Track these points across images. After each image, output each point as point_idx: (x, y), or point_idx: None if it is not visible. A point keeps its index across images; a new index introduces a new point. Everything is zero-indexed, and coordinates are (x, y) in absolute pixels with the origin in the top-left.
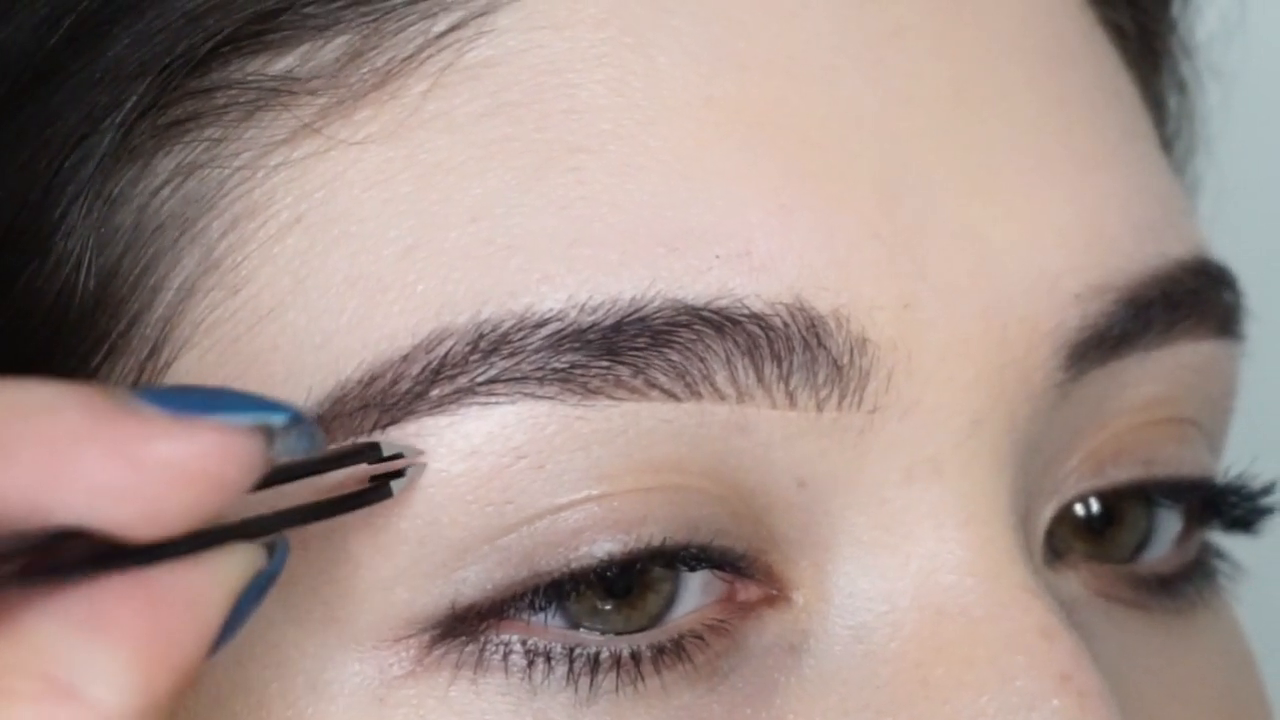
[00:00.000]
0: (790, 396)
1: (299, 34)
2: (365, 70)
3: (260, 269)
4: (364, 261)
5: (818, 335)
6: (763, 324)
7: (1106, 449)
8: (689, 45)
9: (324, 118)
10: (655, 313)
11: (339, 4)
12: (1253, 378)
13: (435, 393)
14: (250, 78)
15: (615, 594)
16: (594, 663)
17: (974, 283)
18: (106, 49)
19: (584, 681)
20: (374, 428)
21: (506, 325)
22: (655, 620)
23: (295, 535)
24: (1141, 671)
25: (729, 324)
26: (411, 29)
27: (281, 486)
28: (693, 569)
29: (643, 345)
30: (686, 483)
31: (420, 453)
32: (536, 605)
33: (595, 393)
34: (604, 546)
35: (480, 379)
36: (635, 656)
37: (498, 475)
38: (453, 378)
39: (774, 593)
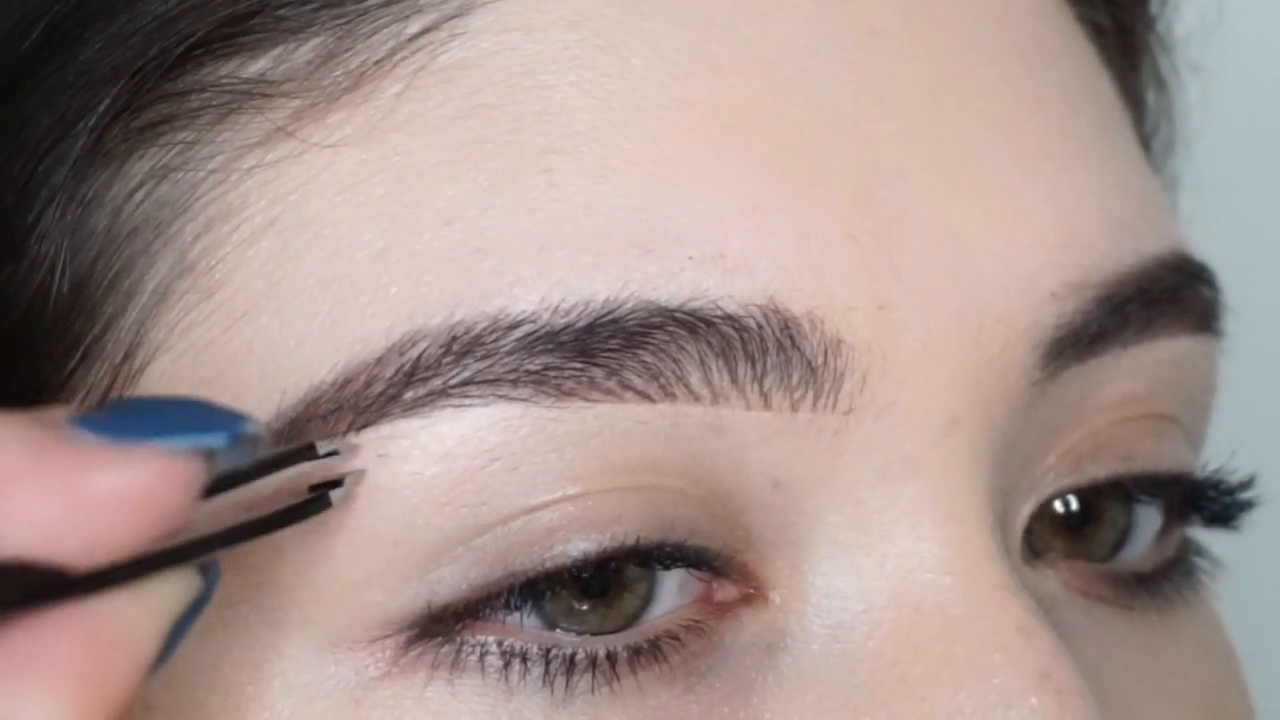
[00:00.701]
0: (765, 397)
1: (272, 36)
2: (338, 73)
3: (234, 272)
4: (337, 264)
5: (791, 337)
6: (736, 325)
7: (1084, 446)
8: (662, 47)
9: (297, 120)
10: (629, 314)
11: (312, 6)
12: (1232, 373)
13: (409, 395)
14: (223, 80)
15: (591, 594)
16: (570, 664)
17: (950, 283)
18: (79, 53)
19: (560, 682)
20: (348, 430)
21: (479, 327)
22: (632, 620)
23: (270, 539)
24: (1122, 669)
25: (703, 325)
26: (384, 31)
27: (221, 499)
28: (667, 568)
29: (616, 347)
30: (662, 483)
31: (356, 447)
32: (512, 605)
33: (569, 394)
34: (578, 546)
35: (453, 381)
36: (611, 657)
37: (472, 477)
38: (426, 380)
39: (751, 592)
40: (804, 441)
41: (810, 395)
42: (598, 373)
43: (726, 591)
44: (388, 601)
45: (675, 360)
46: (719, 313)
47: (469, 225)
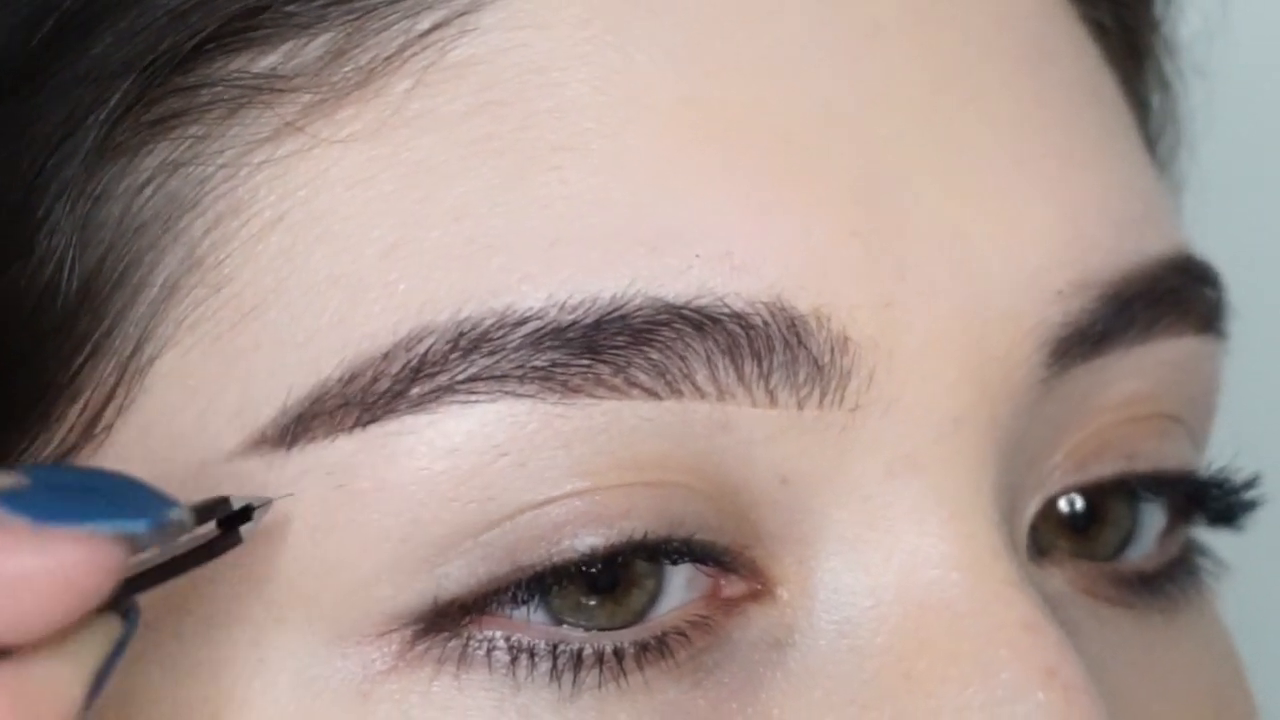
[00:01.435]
0: (771, 395)
1: (282, 32)
2: (348, 68)
3: (243, 267)
4: (346, 260)
5: (798, 334)
6: (743, 323)
7: (1089, 444)
8: (668, 45)
9: (307, 116)
10: (635, 311)
11: (322, 2)
12: (1236, 373)
13: (415, 391)
14: (234, 75)
15: (599, 590)
16: (577, 659)
17: (955, 281)
18: (90, 47)
19: (567, 678)
20: (354, 426)
21: (487, 324)
22: (639, 616)
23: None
24: (1125, 668)
25: (709, 323)
26: (395, 27)
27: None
28: (675, 563)
29: (623, 344)
30: (669, 479)
31: (268, 501)
32: (519, 600)
33: (576, 391)
34: (586, 540)
35: (460, 377)
36: (618, 653)
37: (479, 473)
38: (433, 376)
39: (758, 588)
40: (811, 438)
41: (817, 392)
42: (604, 369)
43: (734, 587)
44: (395, 596)
45: (682, 357)
46: (725, 310)
47: (478, 222)
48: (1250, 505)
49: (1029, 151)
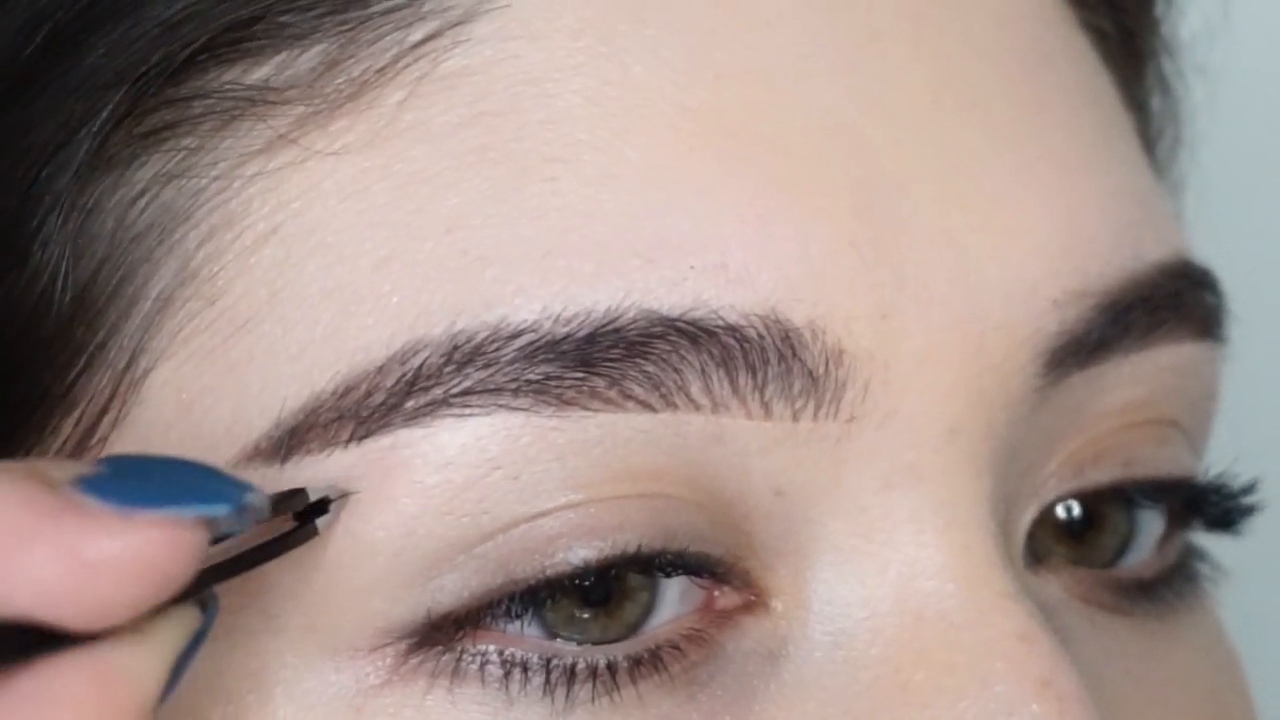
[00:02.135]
0: (766, 407)
1: (275, 43)
2: (341, 80)
3: (236, 280)
4: (339, 273)
5: (793, 347)
6: (738, 335)
7: (1086, 452)
8: (664, 55)
9: (300, 128)
10: (630, 324)
11: (315, 13)
12: (1234, 377)
13: (410, 404)
14: (226, 87)
15: (593, 603)
16: (570, 673)
17: (951, 291)
18: (83, 58)
19: (560, 692)
20: (348, 439)
21: (481, 337)
22: (633, 629)
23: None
24: (1123, 676)
25: (704, 335)
26: (387, 38)
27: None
28: (669, 575)
29: (617, 356)
30: (664, 491)
31: (346, 494)
32: (513, 613)
33: (570, 404)
34: (579, 553)
35: (454, 390)
36: (611, 667)
37: (473, 486)
38: (427, 389)
39: (753, 599)
40: (806, 450)
41: (812, 404)
42: (599, 382)
43: (728, 599)
44: (389, 609)
45: (676, 370)
46: (720, 323)
47: (471, 233)
48: (1249, 510)
49: (1027, 158)
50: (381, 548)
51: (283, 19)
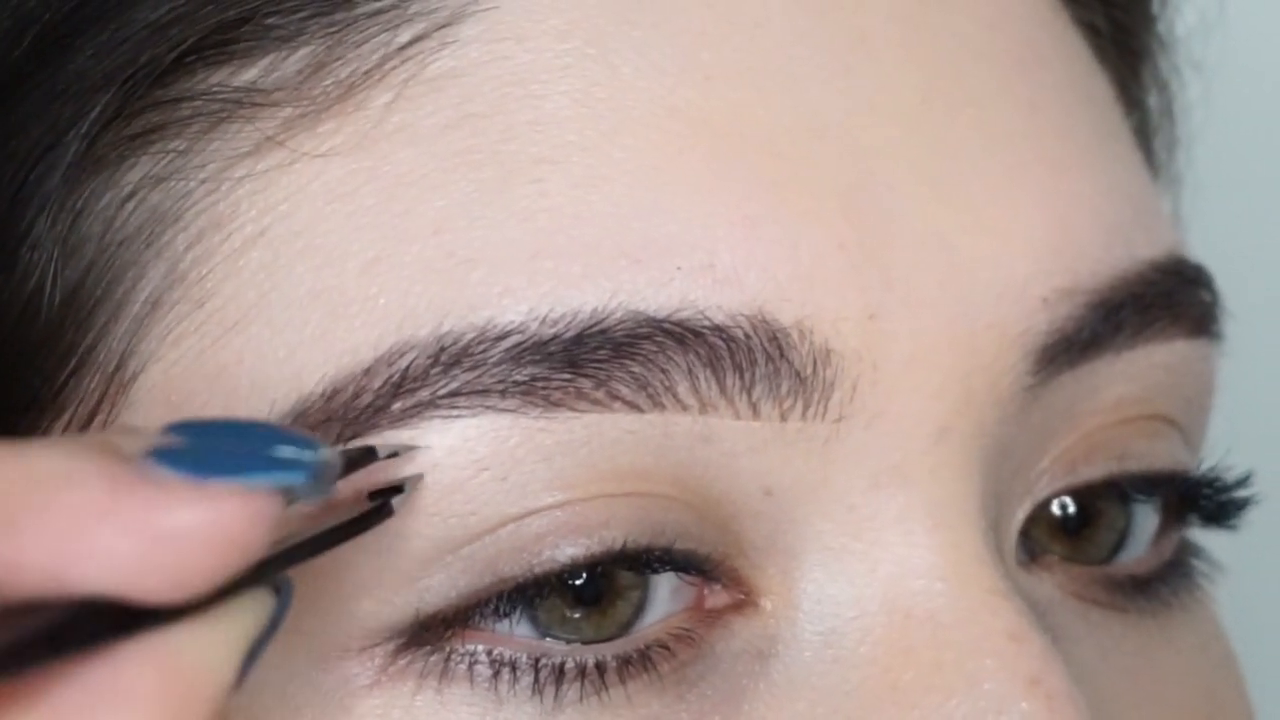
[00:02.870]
0: (753, 407)
1: (262, 45)
2: (329, 82)
3: (225, 282)
4: (327, 275)
5: (780, 347)
6: (725, 336)
7: (1078, 448)
8: (652, 56)
9: (288, 130)
10: (617, 324)
11: (302, 15)
12: (1228, 371)
13: (397, 406)
14: (214, 89)
15: (585, 602)
16: (559, 673)
17: (941, 291)
18: (70, 60)
19: (549, 692)
20: (336, 441)
21: (468, 338)
22: (625, 628)
23: None
24: (1118, 673)
25: (691, 336)
26: (375, 40)
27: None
28: (656, 571)
29: (604, 357)
30: (651, 490)
31: (414, 449)
32: (501, 612)
33: (557, 404)
34: (566, 551)
35: (441, 392)
36: (600, 666)
37: (460, 487)
38: (414, 391)
39: (742, 599)
40: (794, 450)
41: (799, 405)
42: (586, 383)
43: (718, 597)
44: (377, 610)
45: (663, 370)
46: (707, 323)
47: (458, 235)
48: (1243, 504)
49: (1019, 158)
50: (369, 549)
51: (270, 21)
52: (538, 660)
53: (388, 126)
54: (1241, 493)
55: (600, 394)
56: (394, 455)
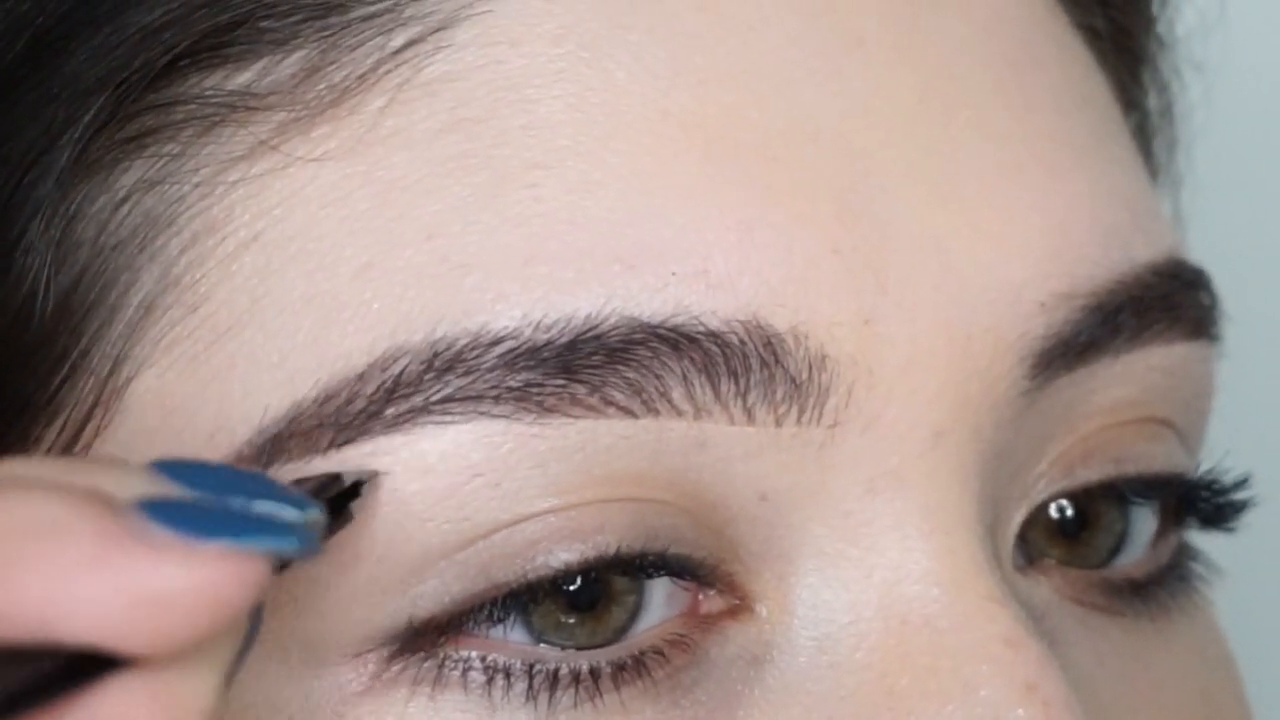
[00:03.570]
0: (748, 413)
1: (256, 49)
2: (322, 86)
3: (218, 287)
4: (320, 280)
5: (775, 353)
6: (719, 341)
7: (1076, 451)
8: (646, 60)
9: (282, 134)
10: (610, 330)
11: (296, 19)
12: (1226, 374)
13: (390, 411)
14: (208, 92)
15: (579, 607)
16: (553, 679)
17: (936, 295)
18: (63, 64)
19: (543, 698)
20: (329, 446)
21: (461, 344)
22: (620, 634)
23: None
24: (1116, 677)
25: (685, 341)
26: (369, 44)
27: None
28: (651, 576)
29: (598, 363)
30: (646, 495)
31: (375, 473)
32: (495, 618)
33: (551, 410)
34: (560, 556)
35: (435, 398)
36: (595, 672)
37: (453, 493)
38: (407, 396)
39: (737, 604)
40: (789, 455)
41: (794, 410)
42: (580, 389)
43: (713, 602)
44: (370, 617)
45: (658, 376)
46: (701, 329)
47: (452, 240)
48: (1241, 506)
49: (1016, 161)
50: (362, 555)
51: (263, 24)
52: (532, 666)
53: (381, 131)
54: (1240, 495)
55: (594, 400)
56: (359, 482)
